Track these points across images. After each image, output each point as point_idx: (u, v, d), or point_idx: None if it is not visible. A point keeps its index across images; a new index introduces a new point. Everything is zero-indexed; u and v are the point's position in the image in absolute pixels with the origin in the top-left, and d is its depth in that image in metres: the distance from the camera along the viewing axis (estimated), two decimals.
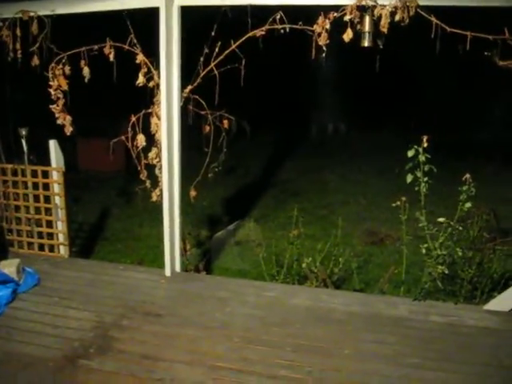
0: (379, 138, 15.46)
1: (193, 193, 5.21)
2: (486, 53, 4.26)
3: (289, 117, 16.87)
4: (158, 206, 5.11)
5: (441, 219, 4.55)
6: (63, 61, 5.07)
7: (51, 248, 5.68)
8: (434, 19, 4.17)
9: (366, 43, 4.35)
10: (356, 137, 16.45)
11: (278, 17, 4.50)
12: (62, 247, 5.66)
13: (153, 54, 4.88)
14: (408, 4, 4.17)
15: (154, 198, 5.12)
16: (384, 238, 7.51)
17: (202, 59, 4.84)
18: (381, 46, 4.43)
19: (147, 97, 5.05)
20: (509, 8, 4.09)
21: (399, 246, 5.46)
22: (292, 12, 4.62)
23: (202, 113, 5.13)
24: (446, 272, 4.60)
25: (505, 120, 15.14)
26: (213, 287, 4.93)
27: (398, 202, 4.81)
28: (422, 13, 4.19)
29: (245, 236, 7.45)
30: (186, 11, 4.81)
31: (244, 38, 4.67)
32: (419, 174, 4.49)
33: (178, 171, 5.02)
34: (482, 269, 4.93)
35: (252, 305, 4.57)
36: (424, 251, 4.63)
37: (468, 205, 4.49)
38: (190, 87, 4.98)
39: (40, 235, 5.69)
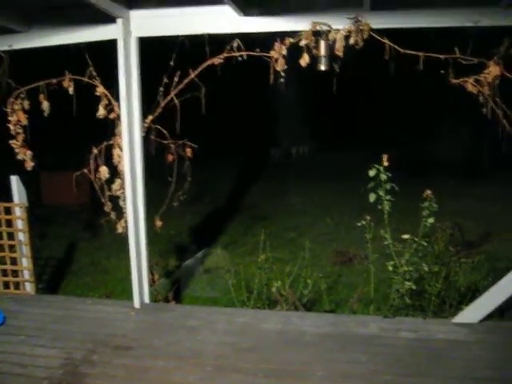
0: (342, 159, 15.68)
1: (158, 223, 5.19)
2: (441, 71, 4.40)
3: (252, 141, 17.00)
4: (126, 238, 5.07)
5: (405, 236, 4.62)
6: (22, 95, 5.04)
7: (16, 285, 5.56)
8: (386, 41, 4.29)
9: (322, 67, 4.45)
10: (319, 158, 16.64)
11: (236, 44, 4.57)
12: (27, 284, 5.55)
13: (113, 85, 4.89)
14: (361, 27, 4.29)
15: (120, 230, 5.07)
16: (352, 258, 7.57)
17: (161, 89, 4.87)
18: (337, 70, 4.54)
19: (109, 128, 5.05)
20: (459, 28, 4.23)
21: (367, 264, 5.52)
22: (249, 39, 4.71)
23: (165, 142, 5.14)
24: (414, 288, 4.66)
25: (463, 136, 15.53)
26: (183, 316, 4.89)
27: (364, 222, 4.87)
28: (375, 35, 4.31)
29: (213, 263, 7.42)
30: (144, 42, 4.85)
31: (202, 67, 4.73)
32: (381, 193, 4.56)
33: (143, 201, 5.00)
34: (448, 282, 5.00)
35: (223, 332, 4.55)
36: (391, 269, 4.68)
37: (431, 220, 4.58)
38: (150, 117, 4.99)
39: (4, 273, 5.57)
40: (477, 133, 14.62)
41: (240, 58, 4.63)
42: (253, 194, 12.97)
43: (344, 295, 6.27)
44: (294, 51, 4.55)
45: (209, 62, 4.70)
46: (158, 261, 6.20)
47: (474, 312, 4.53)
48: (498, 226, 8.97)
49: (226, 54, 4.67)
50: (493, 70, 4.29)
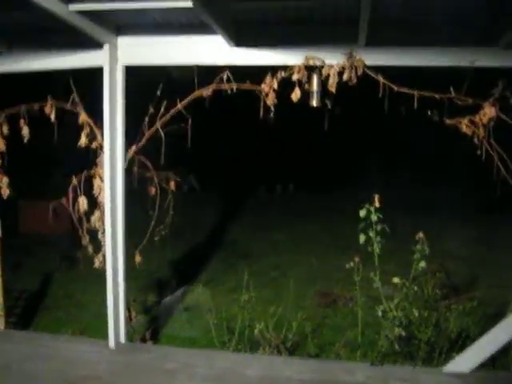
0: (329, 198, 15.51)
1: (138, 258, 4.96)
2: (430, 112, 4.30)
3: (238, 176, 16.85)
4: (104, 270, 4.83)
5: (396, 280, 4.45)
6: (0, 120, 4.85)
7: None
8: (381, 79, 4.19)
9: (314, 103, 4.33)
10: (305, 197, 16.45)
11: (225, 76, 4.44)
12: None
13: (97, 112, 4.72)
14: (355, 64, 4.19)
15: (97, 264, 4.83)
16: (337, 299, 7.34)
17: (146, 119, 4.71)
18: (329, 106, 4.42)
19: (91, 156, 4.87)
20: (454, 68, 4.15)
21: (353, 307, 5.33)
22: (241, 70, 4.59)
23: (148, 175, 4.96)
24: (404, 334, 4.46)
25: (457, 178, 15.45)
26: (160, 358, 4.63)
27: (352, 263, 4.69)
28: (370, 72, 4.21)
29: (194, 301, 7.17)
30: (130, 70, 4.70)
31: (190, 99, 4.59)
32: (372, 234, 4.40)
33: (123, 235, 4.78)
34: (438, 329, 4.81)
35: (202, 377, 4.29)
36: (380, 313, 4.49)
37: (422, 264, 4.42)
38: (134, 148, 4.81)
39: None
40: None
41: (229, 91, 4.50)
42: (236, 229, 12.73)
43: (329, 338, 6.03)
44: (286, 86, 4.44)
45: (197, 94, 4.56)
46: (137, 297, 5.96)
47: (466, 361, 4.35)
48: (485, 269, 8.85)
49: (214, 87, 4.53)
50: (488, 112, 4.20)
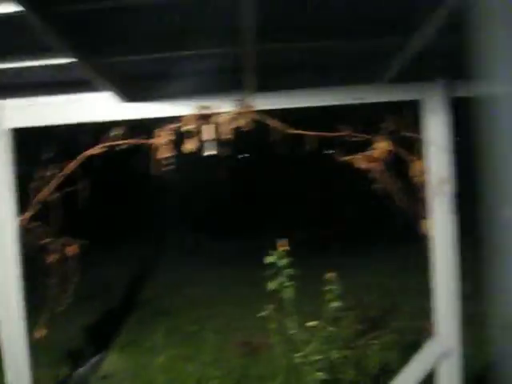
0: (243, 244, 15.36)
1: (41, 332, 4.57)
2: (325, 151, 4.33)
3: (145, 232, 16.51)
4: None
5: (311, 323, 4.36)
6: None
7: None
8: (270, 122, 4.18)
9: (207, 151, 4.24)
10: (217, 245, 16.25)
11: (115, 133, 4.27)
12: None
13: None
14: (248, 110, 4.16)
15: None
16: (258, 348, 7.16)
17: (35, 184, 4.43)
18: (225, 153, 4.35)
19: None
20: (348, 106, 4.22)
21: (274, 354, 5.19)
22: (136, 124, 4.46)
23: (42, 242, 4.64)
24: (325, 378, 4.36)
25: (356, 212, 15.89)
26: None
27: (266, 311, 4.57)
28: (261, 117, 4.19)
29: (111, 368, 6.79)
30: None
31: (80, 160, 4.37)
32: (282, 279, 4.31)
33: (21, 310, 4.40)
34: (360, 368, 4.75)
35: None
36: (298, 360, 4.37)
37: (335, 304, 4.36)
38: (26, 214, 4.50)
39: None
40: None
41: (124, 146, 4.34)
42: (152, 286, 12.34)
43: None
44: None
45: (87, 153, 4.36)
46: (46, 373, 5.53)
47: None
48: (401, 297, 9.01)
49: (103, 144, 4.35)
50: (382, 146, 4.27)
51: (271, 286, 4.27)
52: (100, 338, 8.43)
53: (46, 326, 4.65)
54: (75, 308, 5.03)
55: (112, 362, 6.89)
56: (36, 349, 4.71)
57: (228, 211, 16.99)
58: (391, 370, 4.96)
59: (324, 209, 16.35)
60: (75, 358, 7.28)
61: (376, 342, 4.96)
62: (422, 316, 7.07)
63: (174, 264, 14.39)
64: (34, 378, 4.57)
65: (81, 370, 6.71)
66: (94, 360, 7.06)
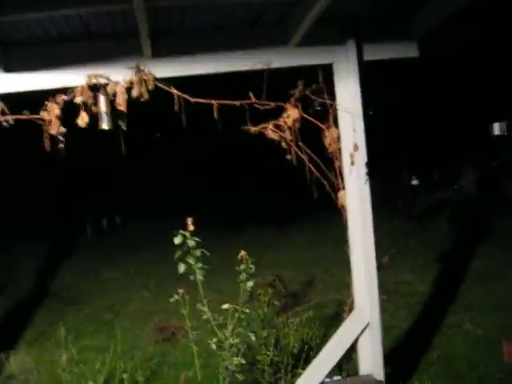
0: (157, 225, 14.84)
1: None
2: (241, 127, 4.05)
3: (55, 218, 15.60)
4: None
5: (225, 306, 4.09)
6: None
7: None
8: (174, 91, 3.83)
9: (104, 125, 3.83)
10: (133, 227, 15.63)
11: None
12: None
13: None
14: (144, 78, 3.78)
15: None
16: (175, 332, 6.82)
17: None
18: (123, 127, 3.95)
19: None
20: (251, 72, 3.92)
21: (192, 340, 4.90)
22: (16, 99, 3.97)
23: None
24: (243, 362, 4.11)
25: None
26: None
27: (176, 296, 4.25)
28: (162, 86, 3.83)
29: (17, 367, 6.25)
30: None
31: None
32: (191, 261, 3.99)
33: None
34: (280, 347, 4.53)
35: None
36: (214, 346, 4.09)
37: (250, 284, 4.10)
38: None
39: None
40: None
41: (6, 124, 3.84)
42: (63, 275, 11.65)
43: (171, 378, 5.55)
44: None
45: None
46: None
47: (312, 376, 4.10)
48: (319, 270, 8.95)
49: None
50: (291, 114, 4.02)
51: (180, 268, 3.94)
52: (5, 334, 7.84)
53: None
54: None
55: (18, 360, 6.35)
56: None
57: (134, 191, 16.44)
58: (312, 347, 4.82)
59: (235, 185, 16.12)
60: None
61: (295, 319, 4.76)
62: (340, 289, 7.06)
63: (90, 250, 13.77)
64: None
65: None
66: None
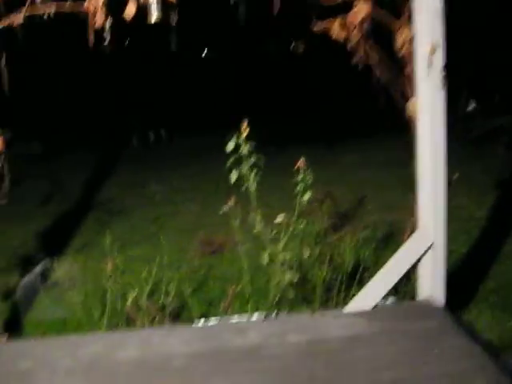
0: (204, 140, 14.59)
1: None
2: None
3: (98, 127, 15.41)
4: None
5: (278, 219, 3.83)
6: None
7: None
8: None
9: (153, 18, 3.48)
10: (183, 141, 15.39)
11: None
12: None
13: None
14: None
15: None
16: (222, 246, 6.69)
17: None
18: (173, 23, 3.60)
19: None
20: None
21: (240, 253, 4.72)
22: None
23: None
24: (296, 280, 3.89)
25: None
26: (11, 357, 3.73)
27: (226, 207, 4.01)
28: None
29: (63, 274, 6.25)
30: None
31: None
32: (245, 170, 3.71)
33: None
34: (333, 266, 4.29)
35: (66, 371, 3.48)
36: (266, 261, 3.87)
37: (307, 196, 3.82)
38: None
39: None
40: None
41: (46, 17, 3.53)
42: (109, 186, 11.63)
43: (217, 292, 5.42)
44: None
45: (5, 24, 3.54)
46: None
47: (366, 298, 3.87)
48: (369, 190, 8.62)
49: (26, 12, 3.53)
50: (361, 9, 3.57)
51: (233, 176, 3.67)
52: (52, 241, 7.89)
53: None
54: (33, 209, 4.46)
55: (64, 267, 6.35)
56: None
57: (189, 102, 16.00)
58: (366, 267, 4.57)
59: (282, 104, 15.53)
60: (27, 264, 6.76)
61: (351, 237, 4.49)
62: (392, 210, 6.72)
63: (137, 163, 13.72)
64: None
65: (26, 279, 6.15)
66: (41, 266, 6.50)
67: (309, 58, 13.43)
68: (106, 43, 3.58)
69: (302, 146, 12.59)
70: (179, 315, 4.71)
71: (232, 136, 3.79)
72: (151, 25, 3.64)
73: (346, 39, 3.65)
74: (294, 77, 16.01)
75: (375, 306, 3.84)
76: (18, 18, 3.52)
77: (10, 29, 3.56)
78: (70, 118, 15.54)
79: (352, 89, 11.99)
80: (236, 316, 4.26)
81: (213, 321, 4.22)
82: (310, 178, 3.82)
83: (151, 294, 4.54)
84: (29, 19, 3.55)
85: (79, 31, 3.71)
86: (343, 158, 11.86)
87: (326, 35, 3.72)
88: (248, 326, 3.86)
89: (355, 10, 3.58)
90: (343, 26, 3.61)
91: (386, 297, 3.94)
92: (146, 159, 14.26)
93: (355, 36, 3.60)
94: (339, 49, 3.79)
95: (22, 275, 6.42)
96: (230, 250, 6.61)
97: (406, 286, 4.17)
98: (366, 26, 3.59)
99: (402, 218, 4.34)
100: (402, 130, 3.95)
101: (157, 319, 4.31)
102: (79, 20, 3.58)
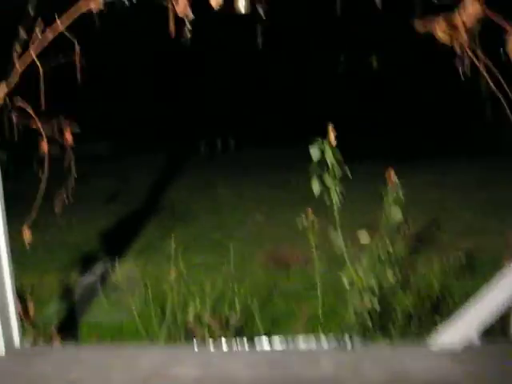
0: (274, 152, 14.21)
1: (26, 234, 3.73)
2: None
3: (170, 130, 15.30)
4: None
5: (364, 237, 3.45)
6: None
7: None
8: None
9: (242, 8, 3.18)
10: (248, 151, 15.08)
11: None
12: None
13: None
14: None
15: None
16: (289, 261, 6.34)
17: (17, 48, 3.43)
18: (263, 15, 3.28)
19: None
20: None
21: (308, 270, 4.38)
22: None
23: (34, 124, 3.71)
24: (377, 306, 3.49)
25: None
26: (64, 364, 3.50)
27: (304, 222, 3.65)
28: None
29: (123, 277, 6.06)
30: None
31: (73, 15, 3.31)
32: (328, 181, 3.34)
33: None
34: (420, 295, 3.86)
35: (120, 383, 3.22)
36: (347, 285, 3.48)
37: (399, 216, 3.41)
38: (5, 89, 3.54)
39: None
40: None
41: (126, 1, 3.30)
42: (175, 190, 11.55)
43: (282, 309, 5.09)
44: None
45: (81, 6, 3.30)
46: (54, 278, 4.86)
47: (455, 334, 3.41)
48: (442, 212, 8.08)
49: None
50: (471, 7, 3.15)
51: (315, 187, 3.31)
52: (114, 241, 7.78)
53: (30, 228, 3.81)
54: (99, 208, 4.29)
55: (124, 269, 6.18)
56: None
57: (264, 110, 15.58)
58: (452, 298, 4.11)
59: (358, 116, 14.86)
60: (88, 262, 6.65)
61: (439, 262, 4.04)
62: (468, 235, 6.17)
63: (203, 169, 13.56)
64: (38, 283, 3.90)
65: (84, 279, 6.00)
66: (101, 266, 6.34)
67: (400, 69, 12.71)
68: (188, 35, 3.30)
69: (376, 160, 12.11)
70: (242, 331, 4.39)
71: (315, 143, 3.44)
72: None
73: (452, 42, 3.24)
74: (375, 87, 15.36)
75: (465, 345, 3.38)
76: (96, 2, 3.29)
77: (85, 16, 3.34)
78: (139, 120, 15.58)
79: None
80: (303, 338, 3.89)
81: (277, 341, 3.87)
82: (401, 197, 3.40)
83: (213, 306, 4.25)
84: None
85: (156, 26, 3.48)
86: (413, 177, 11.28)
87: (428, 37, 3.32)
88: (320, 354, 3.48)
89: (467, 9, 3.17)
90: (452, 26, 3.20)
91: (477, 334, 3.47)
92: (214, 166, 14.09)
93: (460, 38, 3.18)
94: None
95: (82, 273, 6.31)
96: (296, 265, 6.27)
97: (500, 322, 3.69)
98: (477, 27, 3.17)
99: (487, 243, 3.89)
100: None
101: (218, 334, 3.99)
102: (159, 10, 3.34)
